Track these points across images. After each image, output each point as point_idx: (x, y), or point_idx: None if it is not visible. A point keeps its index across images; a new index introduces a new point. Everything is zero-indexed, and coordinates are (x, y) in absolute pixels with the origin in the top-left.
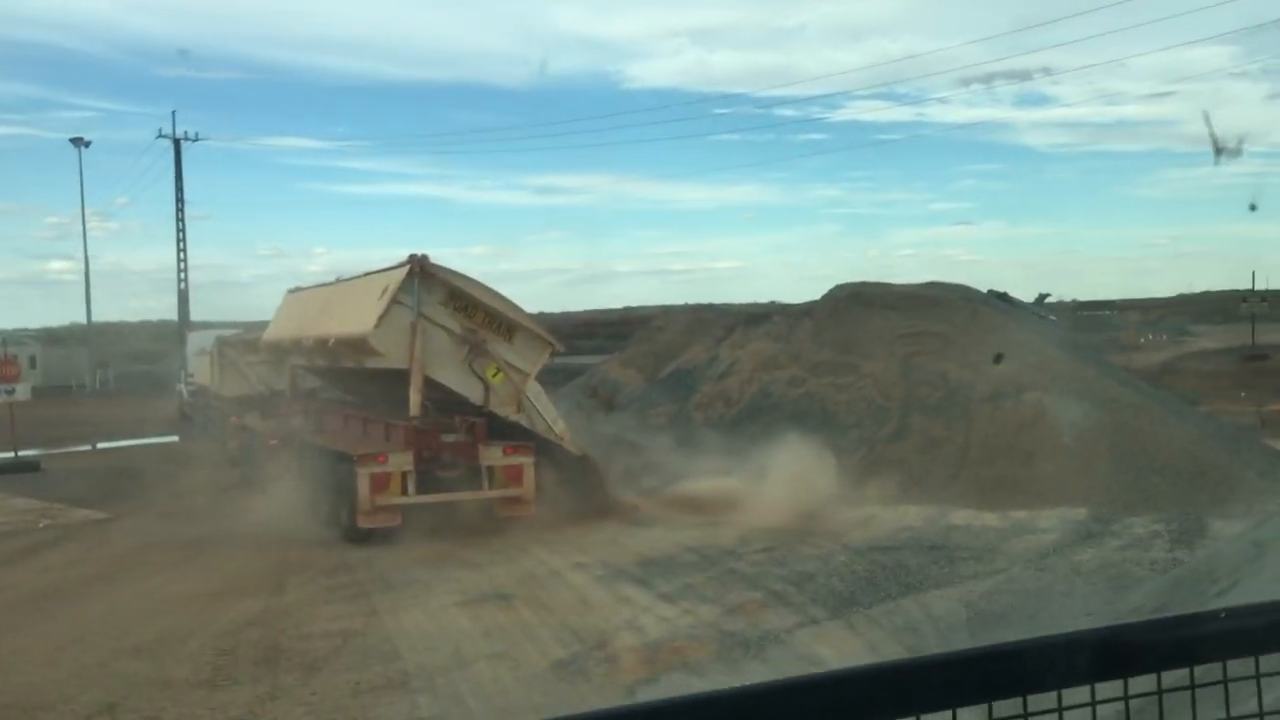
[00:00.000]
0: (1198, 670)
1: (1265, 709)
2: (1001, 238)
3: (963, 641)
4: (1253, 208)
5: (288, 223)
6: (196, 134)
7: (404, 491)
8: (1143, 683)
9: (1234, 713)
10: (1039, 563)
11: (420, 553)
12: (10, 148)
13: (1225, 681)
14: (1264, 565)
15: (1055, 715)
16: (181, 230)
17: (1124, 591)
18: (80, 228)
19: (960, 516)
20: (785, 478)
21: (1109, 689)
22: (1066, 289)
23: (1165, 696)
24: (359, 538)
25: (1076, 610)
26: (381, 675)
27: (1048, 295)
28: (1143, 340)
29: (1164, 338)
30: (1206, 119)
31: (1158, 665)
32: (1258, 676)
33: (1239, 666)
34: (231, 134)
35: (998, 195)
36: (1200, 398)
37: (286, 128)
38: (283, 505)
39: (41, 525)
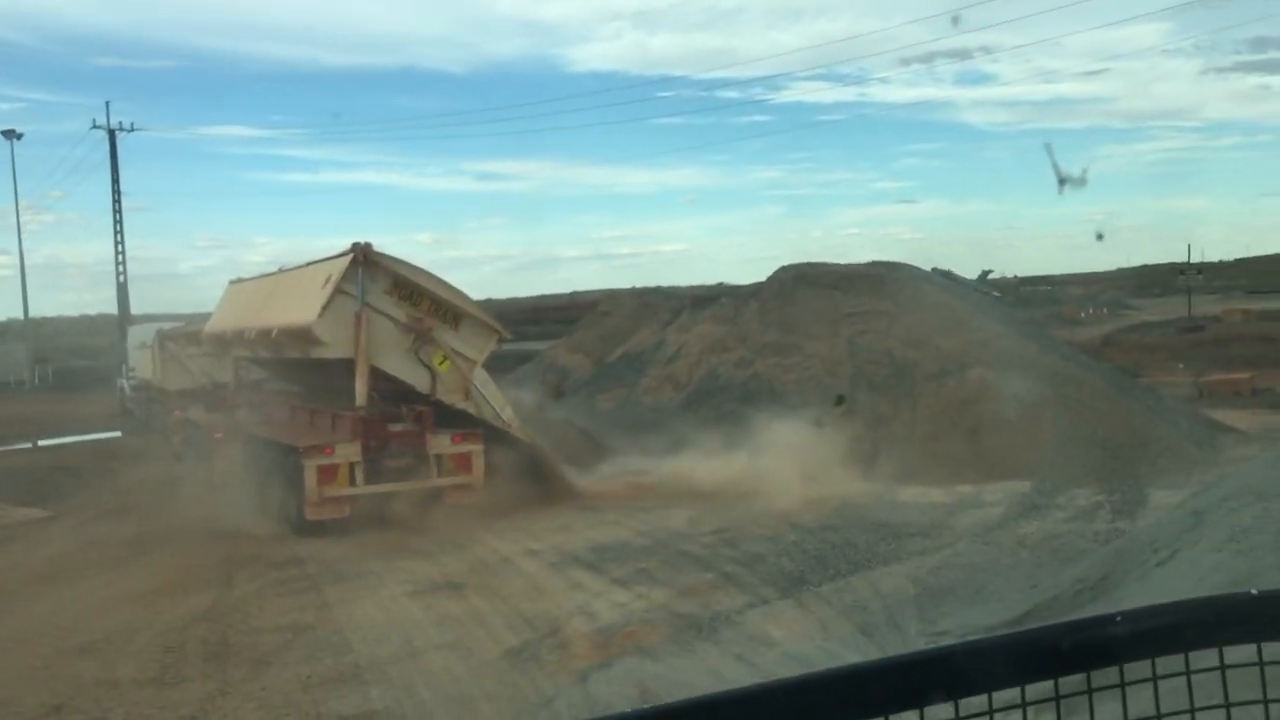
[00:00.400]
0: (1095, 674)
1: (1163, 711)
2: (944, 215)
3: (911, 617)
4: (1099, 237)
5: (228, 213)
6: (132, 124)
7: (352, 482)
8: (1042, 688)
9: (1132, 715)
10: (985, 537)
11: (370, 544)
12: None
13: (1122, 685)
14: (1203, 534)
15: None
16: (119, 223)
17: (1068, 563)
18: (14, 222)
19: (907, 493)
20: (784, 460)
21: (1009, 695)
22: (1008, 265)
23: (1063, 702)
24: (307, 530)
25: (1022, 583)
26: (333, 668)
27: (990, 272)
28: (1084, 315)
29: (1104, 311)
30: (1049, 150)
31: (1056, 671)
32: (1154, 679)
33: (1136, 669)
34: (168, 124)
35: (939, 173)
36: (1140, 370)
37: (224, 117)
38: (229, 499)
39: None
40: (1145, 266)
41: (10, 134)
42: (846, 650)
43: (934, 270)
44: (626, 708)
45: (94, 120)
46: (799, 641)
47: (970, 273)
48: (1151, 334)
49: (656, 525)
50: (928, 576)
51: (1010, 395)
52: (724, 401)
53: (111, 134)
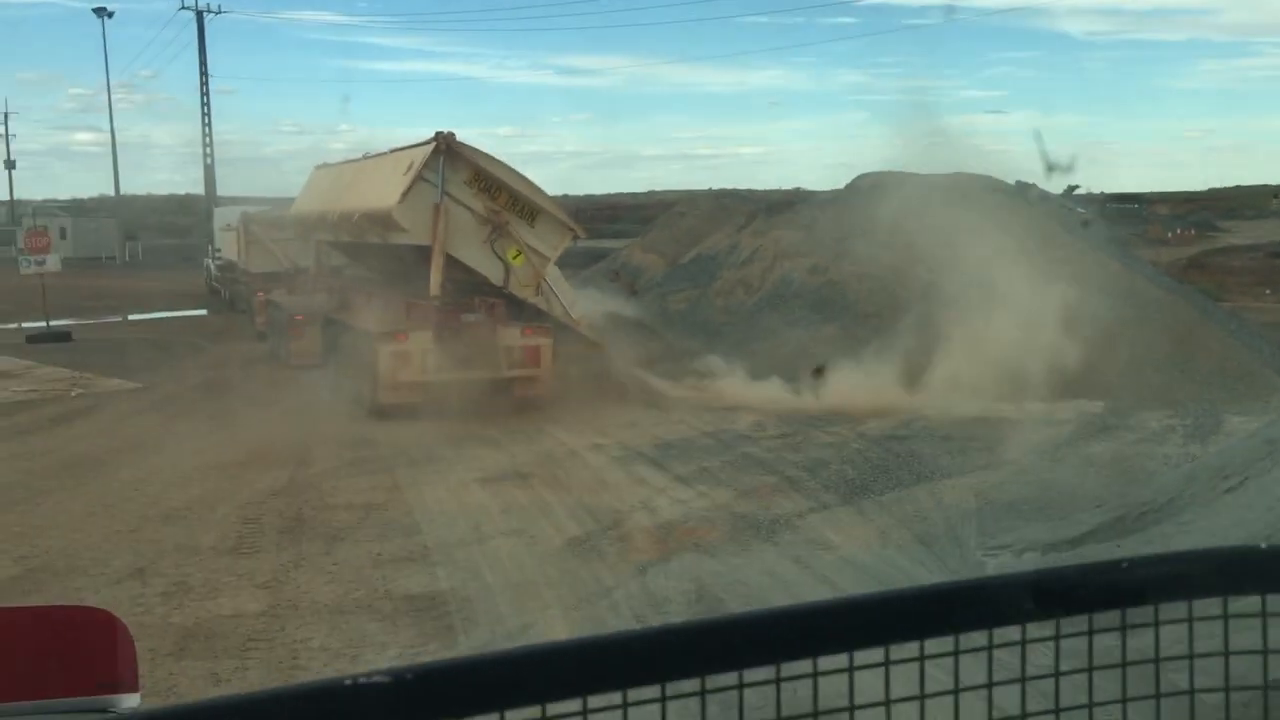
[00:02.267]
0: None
1: (1196, 653)
2: (1033, 128)
3: (971, 530)
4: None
5: (312, 99)
6: (219, 6)
7: (424, 369)
8: (1076, 623)
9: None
10: (1052, 454)
11: (442, 430)
12: (32, 16)
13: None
14: (1275, 462)
15: (985, 653)
16: (206, 104)
17: (1135, 485)
18: (105, 100)
19: (976, 407)
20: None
21: (1042, 629)
22: (1097, 181)
23: (1097, 640)
24: (380, 413)
25: (1086, 502)
26: (402, 548)
27: (1077, 187)
28: (1170, 235)
29: (1192, 232)
30: (1038, 139)
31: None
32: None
33: (1171, 610)
34: (254, 7)
35: (1030, 84)
36: (1224, 294)
37: (310, 2)
38: (308, 380)
39: (73, 394)
40: (1239, 188)
41: (101, 12)
42: (903, 558)
43: (1018, 184)
44: (683, 603)
45: (182, 1)
46: (856, 547)
47: (1056, 187)
48: (1240, 257)
49: (721, 426)
50: (991, 490)
51: (1089, 314)
52: (796, 307)
53: (199, 15)
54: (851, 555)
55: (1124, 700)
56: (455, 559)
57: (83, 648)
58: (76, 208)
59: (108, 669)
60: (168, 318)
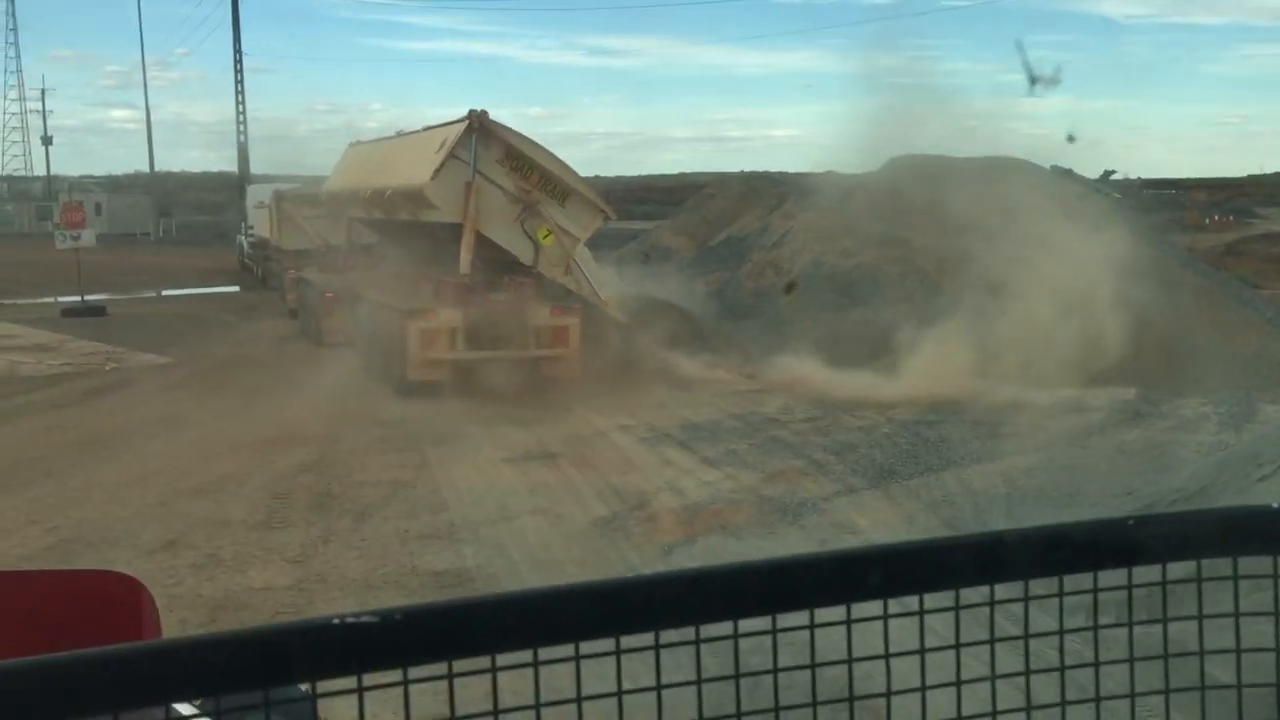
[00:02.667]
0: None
1: (1204, 612)
2: (1069, 112)
3: (999, 516)
4: (1070, 139)
5: (345, 78)
6: None
7: (453, 347)
8: (1081, 581)
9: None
10: (1083, 441)
11: (470, 409)
12: None
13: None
14: None
15: (988, 609)
16: (240, 83)
17: (1166, 472)
18: (141, 77)
19: (1007, 393)
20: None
21: (1047, 585)
22: (1134, 166)
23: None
24: (409, 390)
25: (1117, 489)
26: (429, 525)
27: (1113, 172)
28: (1207, 221)
29: (1230, 219)
30: (1020, 48)
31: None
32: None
33: (1179, 569)
34: None
35: (1068, 68)
36: (1263, 282)
37: None
38: (338, 357)
39: (107, 368)
40: (1279, 174)
41: None
42: None
43: (1053, 168)
44: None
45: None
46: (882, 531)
47: (1092, 172)
48: (1278, 244)
49: (749, 409)
50: (1021, 477)
51: (1122, 300)
52: (826, 291)
53: None
54: (877, 539)
55: (1131, 660)
56: (481, 537)
57: (107, 611)
58: (112, 184)
59: (132, 632)
60: (200, 294)
